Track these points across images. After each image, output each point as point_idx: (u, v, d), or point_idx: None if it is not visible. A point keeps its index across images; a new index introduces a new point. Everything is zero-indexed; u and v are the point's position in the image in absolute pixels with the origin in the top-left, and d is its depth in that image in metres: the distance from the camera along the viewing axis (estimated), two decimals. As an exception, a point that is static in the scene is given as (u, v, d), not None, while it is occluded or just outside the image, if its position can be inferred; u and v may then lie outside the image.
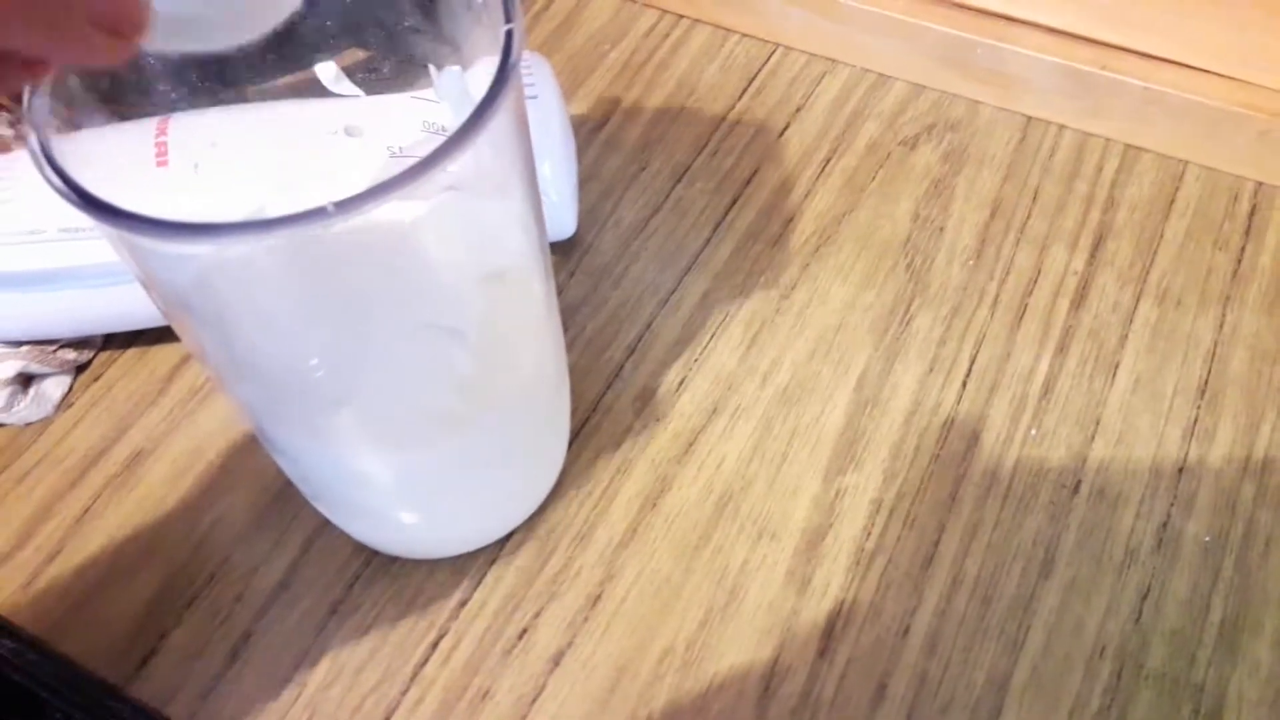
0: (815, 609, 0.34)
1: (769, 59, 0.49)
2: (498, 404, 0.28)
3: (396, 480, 0.29)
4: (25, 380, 0.38)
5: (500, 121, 0.24)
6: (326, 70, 0.28)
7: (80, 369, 0.40)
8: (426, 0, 0.26)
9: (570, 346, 0.40)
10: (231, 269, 0.23)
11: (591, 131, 0.47)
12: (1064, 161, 0.45)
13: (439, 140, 0.21)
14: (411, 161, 0.20)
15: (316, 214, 0.20)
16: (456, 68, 0.28)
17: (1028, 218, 0.43)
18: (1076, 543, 0.35)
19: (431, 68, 0.28)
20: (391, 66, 0.29)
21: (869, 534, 0.35)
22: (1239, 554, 0.34)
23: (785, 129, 0.46)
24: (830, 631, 0.33)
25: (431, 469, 0.29)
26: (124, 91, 0.27)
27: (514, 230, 0.28)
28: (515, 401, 0.28)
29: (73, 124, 0.24)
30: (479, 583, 0.34)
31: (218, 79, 0.31)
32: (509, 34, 0.22)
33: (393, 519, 0.32)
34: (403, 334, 0.24)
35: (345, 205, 0.20)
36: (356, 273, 0.24)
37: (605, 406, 0.39)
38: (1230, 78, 0.43)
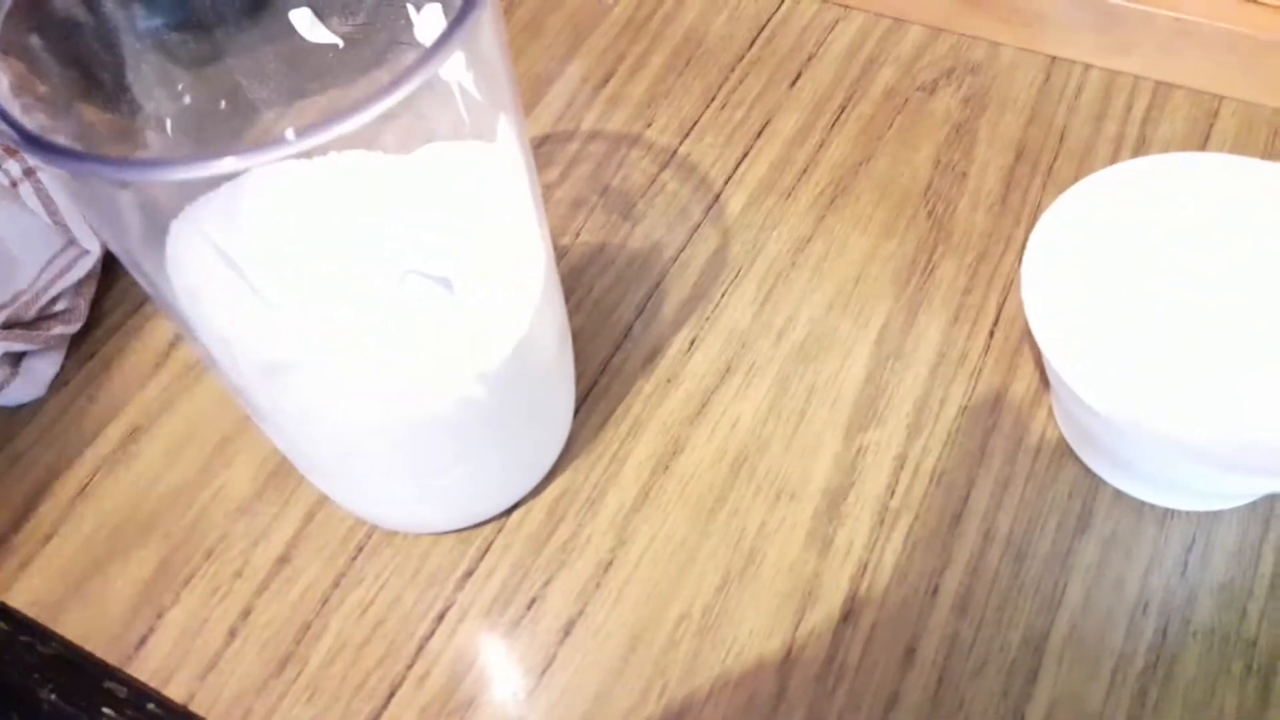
0: (838, 571, 0.32)
1: (779, 7, 0.47)
2: (493, 366, 0.26)
3: (390, 450, 0.28)
4: (14, 360, 0.37)
5: (476, 46, 0.22)
6: (302, 17, 0.27)
7: (73, 345, 0.39)
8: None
9: (577, 308, 0.39)
10: (219, 208, 0.22)
11: (595, 88, 0.45)
12: (1091, 101, 0.43)
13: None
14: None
15: (276, 144, 0.18)
16: (436, 5, 0.26)
17: (1054, 160, 0.41)
18: (1114, 495, 0.33)
19: (410, 7, 0.26)
20: (369, 9, 0.27)
21: (893, 492, 0.33)
22: (1290, 502, 0.32)
23: (797, 78, 0.44)
24: (854, 594, 0.31)
25: (427, 437, 0.27)
26: (98, 64, 0.26)
27: (503, 175, 0.26)
28: (512, 363, 0.27)
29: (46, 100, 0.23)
30: (485, 552, 0.33)
31: (195, 44, 0.30)
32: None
33: (390, 493, 0.30)
34: (388, 280, 0.23)
35: (306, 132, 0.18)
36: (339, 215, 0.22)
37: (614, 369, 0.37)
38: (1264, 3, 0.40)
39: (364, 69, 0.29)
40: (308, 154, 0.18)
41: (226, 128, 0.29)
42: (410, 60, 0.28)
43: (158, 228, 0.23)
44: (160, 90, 0.29)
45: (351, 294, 0.23)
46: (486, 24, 0.22)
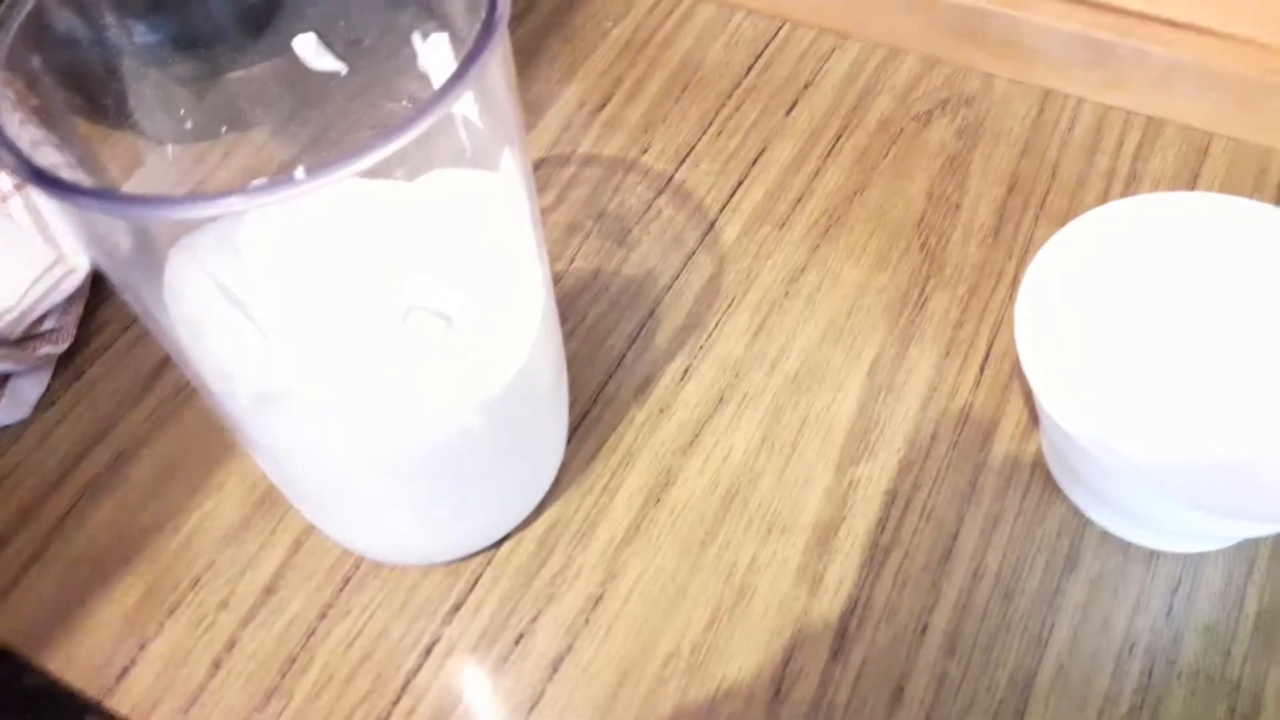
0: (828, 608, 0.32)
1: (776, 34, 0.47)
2: (492, 395, 0.26)
3: (384, 482, 0.27)
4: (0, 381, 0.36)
5: (485, 83, 0.22)
6: (306, 44, 0.27)
7: (60, 366, 0.38)
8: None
9: (570, 335, 0.39)
10: (217, 238, 0.22)
11: (592, 112, 0.45)
12: (1084, 135, 0.43)
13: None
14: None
15: (285, 182, 0.18)
16: (443, 35, 0.26)
17: (1047, 193, 0.41)
18: (1101, 534, 0.33)
19: (416, 37, 0.26)
20: (374, 37, 0.27)
21: (884, 527, 0.33)
22: (1274, 541, 0.33)
23: (793, 106, 0.45)
24: (844, 631, 0.31)
25: (422, 468, 0.27)
26: (96, 83, 0.26)
27: (505, 206, 0.26)
28: (511, 392, 0.27)
29: (41, 112, 0.23)
30: (474, 585, 0.33)
31: (196, 60, 0.30)
32: (492, -3, 0.21)
33: (381, 525, 0.30)
34: (389, 317, 0.23)
35: (317, 171, 0.18)
36: (340, 245, 0.22)
37: (606, 397, 0.37)
38: (1256, 43, 0.41)
39: (369, 96, 0.29)
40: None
41: (227, 149, 0.29)
42: (414, 88, 0.29)
43: (155, 257, 0.23)
44: (162, 111, 0.28)
45: (352, 328, 0.23)
46: (496, 59, 0.22)
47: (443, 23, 0.25)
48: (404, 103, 0.28)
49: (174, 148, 0.29)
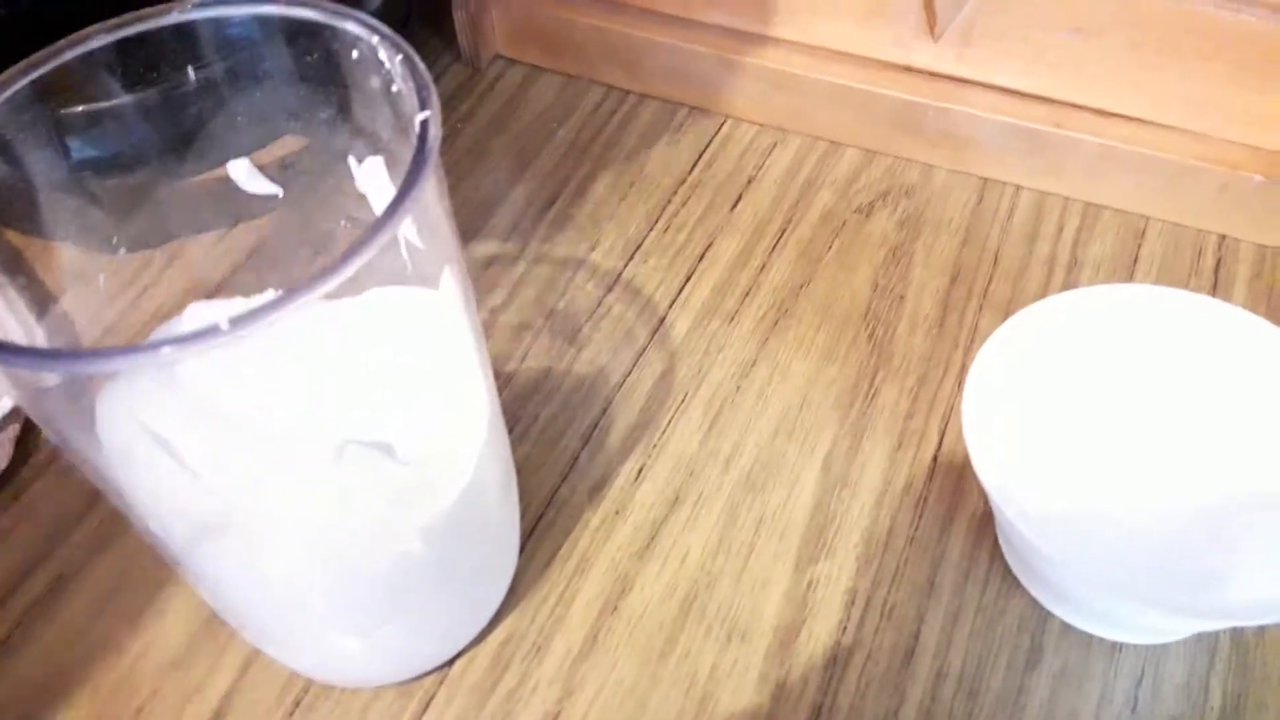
0: (792, 716, 0.31)
1: (719, 131, 0.48)
2: (435, 520, 0.26)
3: (326, 608, 0.27)
4: (-66, 505, 0.35)
5: (421, 206, 0.22)
6: (238, 167, 0.27)
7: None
8: (341, 91, 0.24)
9: (523, 437, 0.38)
10: (131, 394, 0.21)
11: (540, 211, 0.45)
12: (1023, 222, 0.44)
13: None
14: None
15: (209, 333, 0.18)
16: (378, 159, 0.26)
17: (989, 282, 0.42)
18: (1062, 627, 0.33)
19: (351, 159, 0.26)
20: (309, 161, 0.27)
21: (845, 628, 0.33)
22: (1234, 631, 0.33)
23: (738, 201, 0.45)
24: (808, 739, 0.31)
25: (366, 594, 0.26)
26: (16, 204, 0.25)
27: (447, 322, 0.26)
28: (454, 515, 0.26)
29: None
30: (427, 706, 0.32)
31: (131, 176, 0.29)
32: (424, 124, 0.21)
33: (328, 649, 0.29)
34: (324, 456, 0.22)
35: (241, 322, 0.18)
36: (274, 378, 0.22)
37: (560, 500, 0.36)
38: (1186, 131, 0.42)
39: (305, 215, 0.29)
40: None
41: (169, 257, 0.29)
42: (350, 207, 0.28)
43: (82, 402, 0.22)
44: (96, 225, 0.28)
45: (286, 464, 0.22)
46: (430, 184, 0.22)
47: (375, 146, 0.25)
48: (342, 222, 0.28)
49: (112, 259, 0.28)
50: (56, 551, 0.36)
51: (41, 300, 0.27)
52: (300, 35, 0.23)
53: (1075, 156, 0.43)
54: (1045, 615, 0.33)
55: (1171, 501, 0.32)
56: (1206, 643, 0.32)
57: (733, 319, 0.41)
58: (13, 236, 0.26)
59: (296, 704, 0.32)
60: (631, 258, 0.43)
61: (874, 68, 0.45)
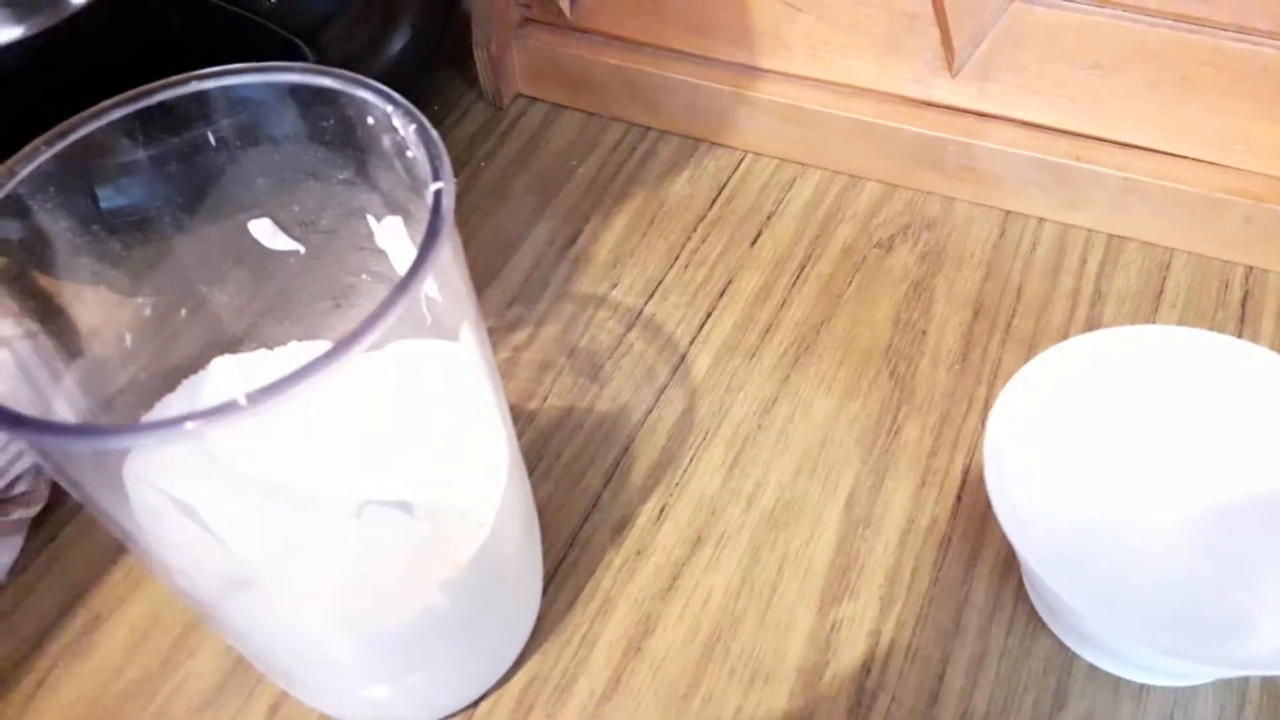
0: (814, 760, 0.31)
1: (739, 166, 0.48)
2: (455, 574, 0.26)
3: (350, 658, 0.27)
4: (-28, 550, 0.36)
5: (437, 273, 0.22)
6: (261, 227, 0.27)
7: (33, 528, 0.38)
8: (358, 154, 0.25)
9: (545, 476, 0.38)
10: (155, 460, 0.22)
11: (561, 249, 0.46)
12: (1046, 255, 0.44)
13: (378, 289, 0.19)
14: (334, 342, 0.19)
15: (227, 409, 0.18)
16: (396, 218, 0.26)
17: (1012, 316, 0.42)
18: (1088, 669, 0.32)
19: (370, 217, 0.27)
20: (329, 219, 0.27)
21: (868, 670, 0.33)
22: (1265, 672, 0.32)
23: (758, 237, 0.45)
24: (831, 785, 0.31)
25: (389, 645, 0.27)
26: (46, 251, 0.26)
27: (466, 374, 0.26)
28: (475, 567, 0.26)
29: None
30: (452, 749, 0.32)
31: (142, 238, 0.30)
32: (438, 194, 0.21)
33: (353, 695, 0.30)
34: (344, 516, 0.23)
35: (258, 397, 0.18)
36: (286, 451, 0.22)
37: (583, 541, 0.37)
38: (1210, 163, 0.42)
39: (326, 271, 0.30)
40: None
41: (185, 335, 0.29)
42: (371, 262, 0.29)
43: (109, 468, 0.23)
44: (118, 286, 0.29)
45: (307, 524, 0.23)
46: (446, 247, 0.23)
47: (393, 206, 0.26)
48: (363, 276, 0.28)
49: (137, 307, 0.29)
50: (91, 594, 0.37)
51: (71, 346, 0.27)
52: (316, 101, 0.24)
53: (1098, 189, 0.43)
54: (1071, 657, 0.33)
55: (1198, 544, 0.32)
56: (1236, 685, 0.32)
57: (754, 356, 0.41)
58: (45, 282, 0.27)
59: (323, 747, 0.32)
60: (652, 295, 0.44)
61: (894, 103, 0.45)
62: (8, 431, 0.18)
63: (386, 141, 0.24)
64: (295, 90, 0.23)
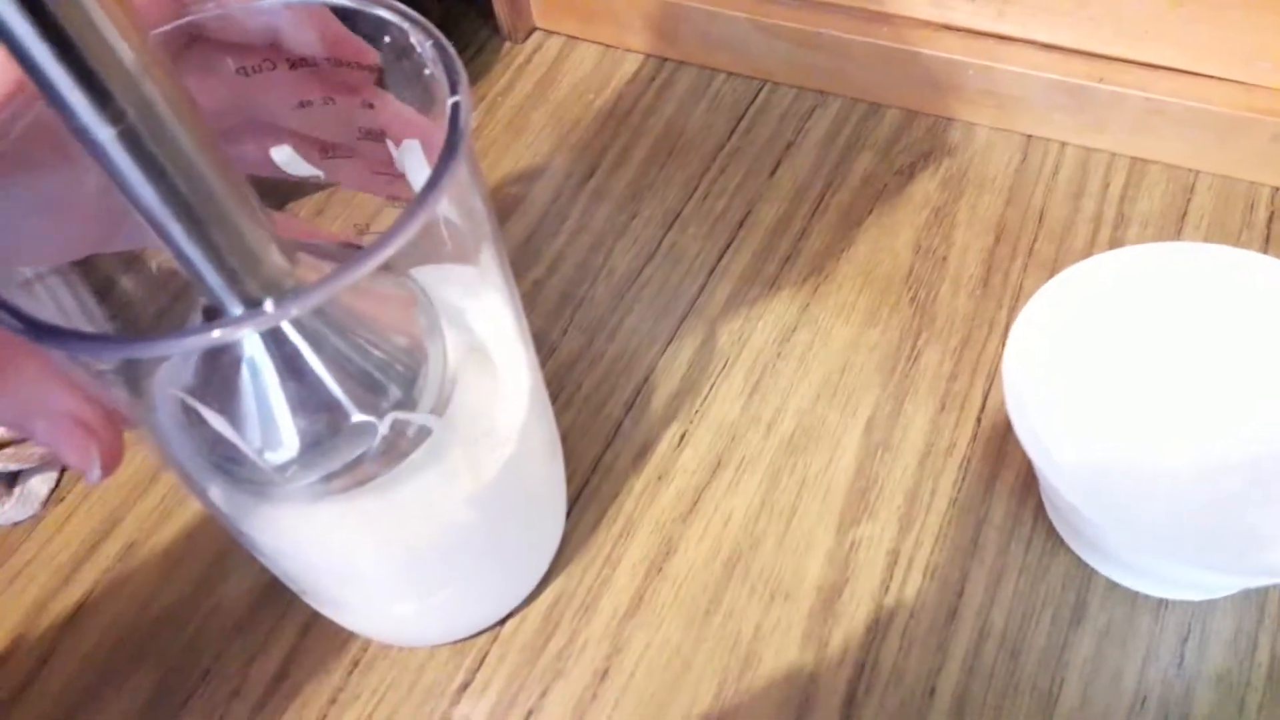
0: (834, 674, 0.32)
1: (757, 96, 0.48)
2: (480, 490, 0.26)
3: (379, 575, 0.28)
4: (9, 479, 0.37)
5: (456, 193, 0.23)
6: (282, 153, 0.27)
7: (69, 462, 0.39)
8: (376, 75, 0.25)
9: (567, 405, 0.39)
10: (184, 372, 0.22)
11: (579, 182, 0.46)
12: (1068, 180, 0.43)
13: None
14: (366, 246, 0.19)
15: (255, 316, 0.19)
16: (415, 141, 0.26)
17: (1034, 241, 0.41)
18: (1107, 585, 0.33)
19: (389, 142, 0.27)
20: (348, 143, 0.27)
21: (887, 588, 0.33)
22: (1283, 587, 0.32)
23: (777, 167, 0.45)
24: (852, 698, 0.31)
25: (417, 562, 0.27)
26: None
27: (485, 298, 0.27)
28: (499, 484, 0.27)
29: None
30: (481, 663, 0.33)
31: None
32: (455, 107, 0.21)
33: (383, 613, 0.31)
34: (372, 425, 0.23)
35: (285, 304, 0.19)
36: (314, 365, 0.23)
37: (605, 466, 0.37)
38: (1235, 81, 0.41)
39: (348, 196, 0.30)
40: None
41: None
42: (394, 188, 0.29)
43: (139, 383, 0.23)
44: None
45: (335, 437, 0.23)
46: (464, 164, 0.23)
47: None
48: (385, 201, 0.29)
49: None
50: (125, 522, 0.38)
51: (102, 283, 0.28)
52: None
53: (1121, 111, 0.42)
54: (1090, 573, 0.33)
55: (1217, 460, 0.32)
56: (1255, 599, 0.32)
57: (773, 285, 0.41)
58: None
59: (355, 663, 0.33)
60: (671, 226, 0.44)
61: (912, 27, 0.44)
62: (47, 345, 0.18)
63: (405, 63, 0.24)
64: (314, 10, 0.23)
